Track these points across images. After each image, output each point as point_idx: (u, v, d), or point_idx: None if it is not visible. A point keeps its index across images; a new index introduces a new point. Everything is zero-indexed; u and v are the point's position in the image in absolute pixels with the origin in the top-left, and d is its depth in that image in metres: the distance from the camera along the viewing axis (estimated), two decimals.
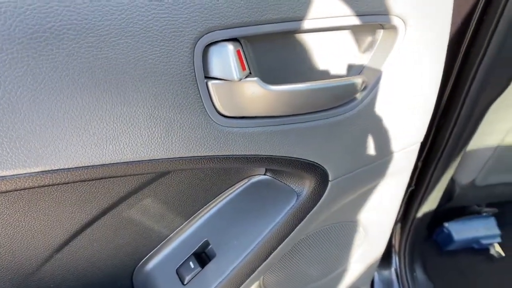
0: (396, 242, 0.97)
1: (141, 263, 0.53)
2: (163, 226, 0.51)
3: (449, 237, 1.16)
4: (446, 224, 1.17)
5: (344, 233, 0.67)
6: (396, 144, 0.52)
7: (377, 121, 0.47)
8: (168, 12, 0.32)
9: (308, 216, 0.50)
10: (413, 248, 0.98)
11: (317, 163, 0.45)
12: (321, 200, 0.49)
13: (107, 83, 0.32)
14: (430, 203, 0.92)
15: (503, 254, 1.16)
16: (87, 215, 0.44)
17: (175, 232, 0.52)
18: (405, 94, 0.47)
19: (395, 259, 0.97)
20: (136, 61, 0.32)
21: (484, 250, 1.18)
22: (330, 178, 0.48)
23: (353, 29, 0.43)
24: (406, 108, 0.49)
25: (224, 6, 0.34)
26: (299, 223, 0.50)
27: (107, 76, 0.32)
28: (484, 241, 1.16)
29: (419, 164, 0.84)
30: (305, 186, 0.49)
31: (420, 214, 0.91)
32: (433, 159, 0.80)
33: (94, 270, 0.50)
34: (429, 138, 0.78)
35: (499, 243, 1.17)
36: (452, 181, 1.03)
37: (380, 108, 0.46)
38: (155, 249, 0.52)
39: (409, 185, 0.89)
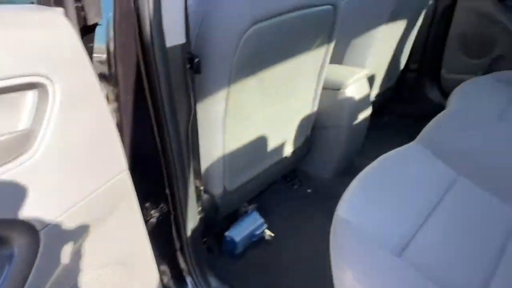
0: (184, 266, 1.05)
1: None
2: None
3: (233, 242, 1.35)
4: (226, 233, 1.36)
5: (108, 279, 0.68)
6: (99, 179, 0.59)
7: (67, 163, 0.53)
8: None
9: (33, 271, 0.49)
10: (201, 265, 1.08)
11: (9, 218, 0.46)
12: (40, 251, 0.50)
13: None
14: (194, 220, 1.05)
15: (272, 234, 1.45)
16: None
17: None
18: (83, 135, 0.56)
19: (189, 281, 1.05)
20: None
21: (260, 238, 1.43)
22: (38, 228, 0.50)
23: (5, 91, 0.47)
24: (91, 145, 0.57)
25: None
26: (25, 282, 0.48)
27: None
28: (257, 232, 1.42)
29: (167, 191, 0.96)
30: (13, 246, 0.48)
31: (189, 233, 1.03)
32: (173, 184, 0.94)
33: None
34: (162, 169, 0.92)
35: (267, 228, 1.45)
36: (211, 195, 1.23)
37: (63, 154, 0.52)
38: None
39: (169, 212, 1.00)
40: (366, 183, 1.00)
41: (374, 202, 0.94)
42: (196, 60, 0.89)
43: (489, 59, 1.90)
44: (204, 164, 1.14)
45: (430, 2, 1.85)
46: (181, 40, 0.81)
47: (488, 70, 1.89)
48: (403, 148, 1.16)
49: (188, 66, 0.87)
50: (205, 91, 1.00)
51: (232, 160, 1.20)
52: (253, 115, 1.20)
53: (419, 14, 1.83)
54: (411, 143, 1.21)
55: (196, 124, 1.00)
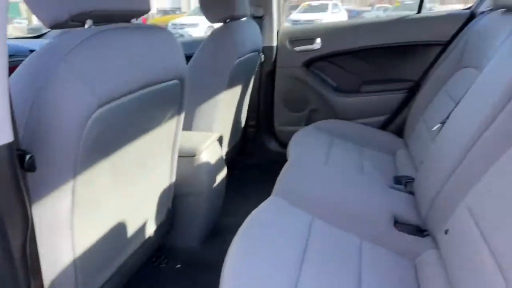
0: None
1: None
2: None
3: None
4: None
5: None
6: None
7: None
8: None
9: None
10: None
11: None
12: None
13: None
14: None
15: None
16: None
17: None
18: None
19: None
20: None
21: None
22: None
23: None
24: None
25: None
26: None
27: None
28: None
29: None
30: None
31: None
32: None
33: None
34: None
35: None
36: None
37: None
38: None
39: None
40: (241, 251, 1.00)
41: (253, 269, 0.94)
42: (28, 156, 0.72)
43: (307, 111, 2.31)
44: (49, 279, 0.89)
45: (256, 69, 2.14)
46: (6, 138, 0.63)
47: (308, 121, 2.29)
48: (265, 204, 1.22)
49: (18, 165, 0.69)
50: (45, 189, 0.81)
51: (86, 261, 1.00)
52: (106, 202, 1.04)
53: (250, 79, 2.09)
54: (270, 197, 1.29)
55: (34, 234, 0.78)
